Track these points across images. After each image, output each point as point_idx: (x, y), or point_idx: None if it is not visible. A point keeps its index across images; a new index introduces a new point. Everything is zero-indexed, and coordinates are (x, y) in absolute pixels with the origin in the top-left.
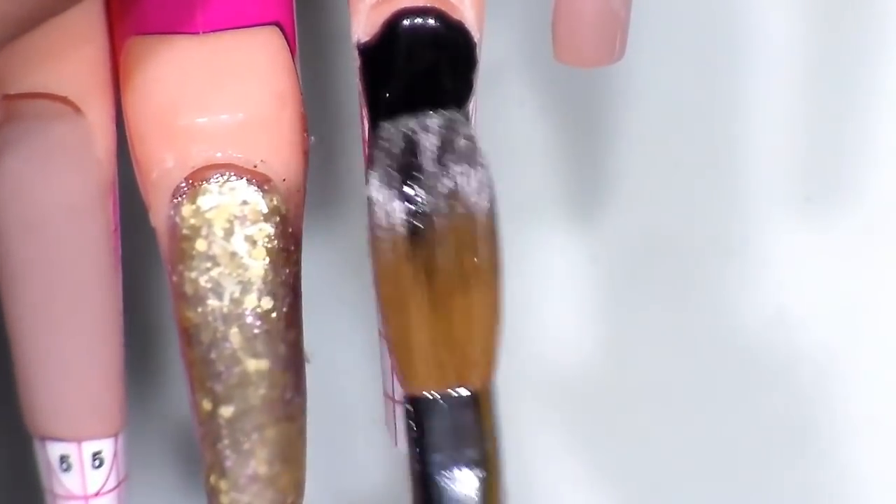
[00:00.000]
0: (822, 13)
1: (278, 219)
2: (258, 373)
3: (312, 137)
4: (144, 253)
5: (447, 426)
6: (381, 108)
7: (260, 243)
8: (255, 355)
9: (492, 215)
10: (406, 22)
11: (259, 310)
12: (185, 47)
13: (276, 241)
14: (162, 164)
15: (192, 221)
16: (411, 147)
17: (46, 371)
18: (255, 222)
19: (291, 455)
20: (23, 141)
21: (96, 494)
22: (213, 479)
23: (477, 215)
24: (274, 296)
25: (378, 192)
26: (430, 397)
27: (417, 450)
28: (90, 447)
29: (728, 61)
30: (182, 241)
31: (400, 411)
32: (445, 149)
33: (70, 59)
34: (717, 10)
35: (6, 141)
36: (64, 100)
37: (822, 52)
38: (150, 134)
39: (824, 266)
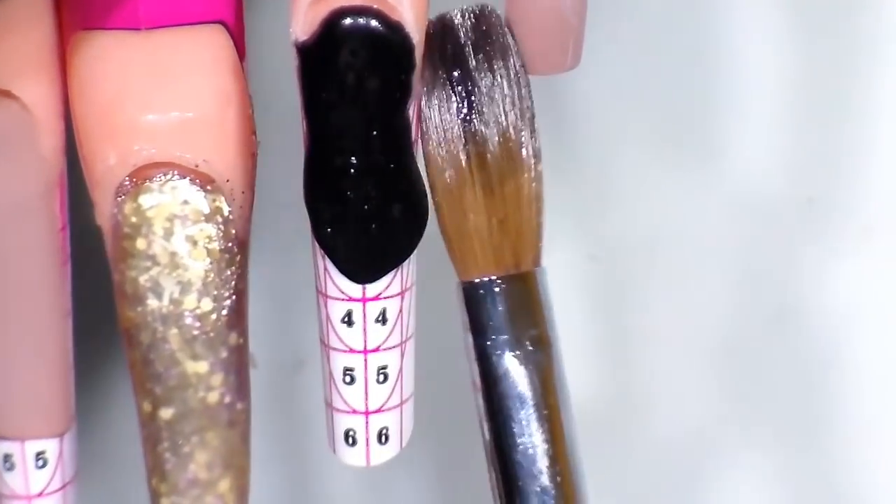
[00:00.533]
0: (822, 12)
1: (220, 219)
2: (196, 375)
3: (258, 140)
4: (98, 251)
5: (508, 308)
6: (319, 108)
7: (200, 244)
8: (194, 357)
9: (532, 108)
10: (344, 21)
11: (198, 311)
12: (128, 44)
13: (217, 242)
14: (105, 162)
15: (133, 220)
16: (455, 47)
17: None
18: (195, 222)
19: (233, 461)
20: None
21: (39, 495)
22: (154, 482)
23: (521, 110)
24: (214, 297)
25: (430, 85)
26: (490, 280)
27: (478, 335)
28: (33, 447)
29: (730, 60)
30: (123, 239)
31: (337, 419)
32: (482, 46)
33: (14, 52)
34: (718, 8)
35: None
36: (8, 94)
37: (825, 52)
38: (93, 131)
39: (824, 266)
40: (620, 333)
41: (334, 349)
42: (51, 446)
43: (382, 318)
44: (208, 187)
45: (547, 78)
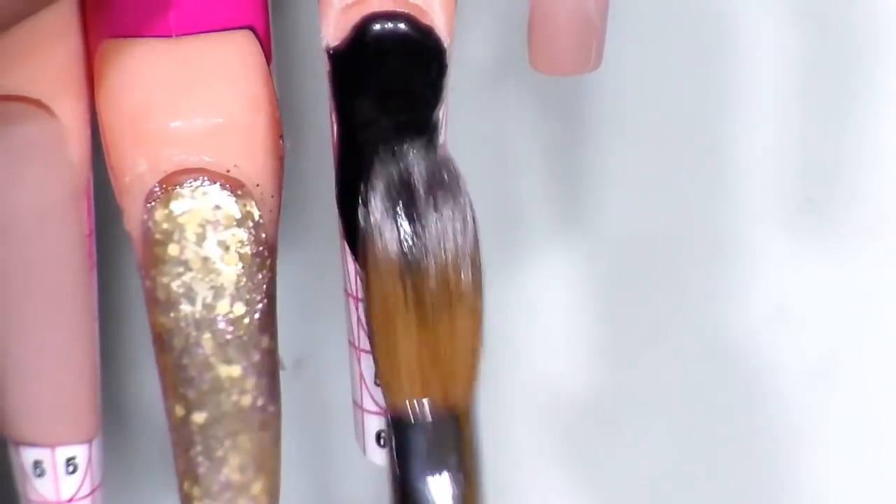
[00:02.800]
0: (820, 13)
1: (251, 224)
2: (230, 379)
3: (287, 144)
4: (124, 257)
5: (429, 441)
6: (351, 113)
7: (232, 248)
8: (228, 361)
9: (476, 247)
10: (375, 26)
11: (231, 315)
12: (158, 51)
13: (249, 247)
14: (135, 169)
15: (165, 226)
16: (404, 181)
17: (19, 376)
18: (227, 227)
19: (265, 463)
20: None
21: (70, 500)
22: (186, 485)
23: (463, 249)
24: (247, 301)
25: (377, 221)
26: (414, 412)
27: (398, 462)
28: (64, 453)
29: (728, 61)
30: (155, 245)
31: (367, 420)
32: (433, 184)
33: (44, 61)
34: (715, 10)
35: None
36: (37, 103)
37: (822, 52)
38: (122, 138)
39: (824, 266)
40: (620, 333)
41: (365, 351)
42: (80, 452)
43: None
44: (239, 192)
45: (546, 79)
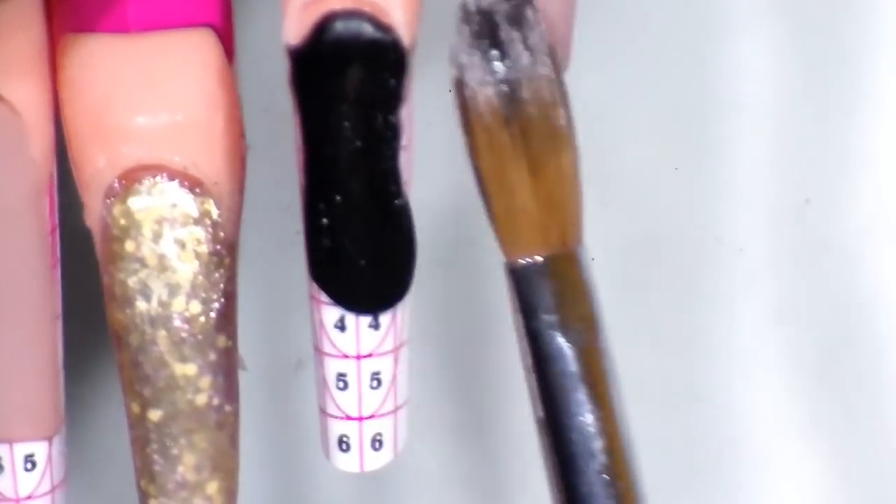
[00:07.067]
0: (820, 14)
1: (209, 222)
2: (185, 377)
3: (249, 143)
4: (89, 253)
5: (557, 288)
6: (312, 111)
7: (189, 246)
8: (183, 359)
9: (562, 75)
10: (336, 24)
11: (187, 313)
12: (117, 47)
13: (206, 245)
14: (94, 164)
15: (122, 222)
16: (488, 18)
17: None
18: (184, 225)
19: (221, 463)
20: None
21: (28, 497)
22: (143, 483)
23: (554, 75)
24: (203, 300)
25: (469, 64)
26: (538, 260)
27: (529, 316)
28: (22, 449)
29: (727, 62)
30: (112, 241)
31: (331, 425)
32: (516, 17)
33: (5, 56)
34: (714, 11)
35: None
36: None
37: (822, 53)
38: (82, 133)
39: (824, 266)
40: (620, 333)
41: (327, 354)
42: (40, 449)
43: (375, 324)
44: (197, 190)
45: None
